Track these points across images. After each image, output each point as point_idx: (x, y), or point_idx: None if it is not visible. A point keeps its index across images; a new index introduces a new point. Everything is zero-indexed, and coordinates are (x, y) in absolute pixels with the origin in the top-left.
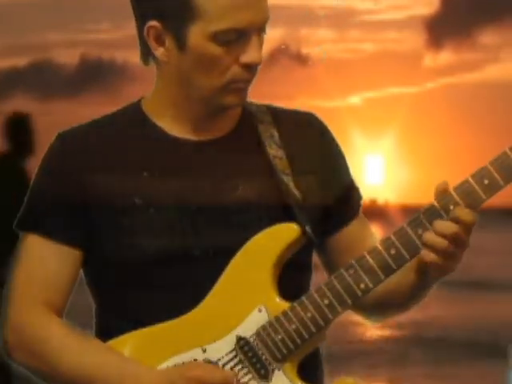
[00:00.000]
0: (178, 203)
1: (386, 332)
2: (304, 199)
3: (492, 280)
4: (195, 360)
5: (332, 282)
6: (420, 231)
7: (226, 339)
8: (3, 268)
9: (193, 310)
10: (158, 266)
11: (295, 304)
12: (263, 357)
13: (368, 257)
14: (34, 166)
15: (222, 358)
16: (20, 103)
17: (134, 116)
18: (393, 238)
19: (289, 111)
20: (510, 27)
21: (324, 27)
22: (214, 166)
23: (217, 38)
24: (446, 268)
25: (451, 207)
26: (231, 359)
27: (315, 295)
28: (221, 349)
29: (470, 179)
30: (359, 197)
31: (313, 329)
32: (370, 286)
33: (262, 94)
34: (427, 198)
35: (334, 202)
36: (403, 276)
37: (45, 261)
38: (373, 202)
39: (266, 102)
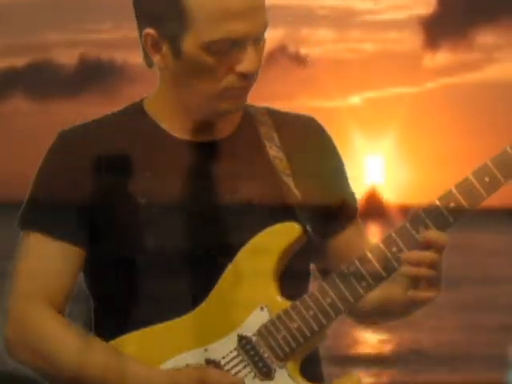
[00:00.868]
0: (180, 203)
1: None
2: (304, 199)
3: None
4: (197, 359)
5: (334, 280)
6: (421, 229)
7: (227, 338)
8: None
9: (194, 310)
10: (160, 265)
11: (297, 302)
12: (265, 355)
13: (370, 255)
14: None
15: (224, 357)
16: (19, 103)
17: (136, 116)
18: (394, 235)
19: (289, 114)
20: (510, 27)
21: (324, 27)
22: (215, 166)
23: (210, 47)
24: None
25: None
26: (233, 358)
27: (317, 293)
28: (223, 348)
29: (471, 177)
30: (355, 201)
31: (315, 327)
32: (372, 283)
33: (262, 94)
34: (427, 198)
35: (331, 205)
36: (393, 290)
37: (46, 259)
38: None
39: (266, 102)
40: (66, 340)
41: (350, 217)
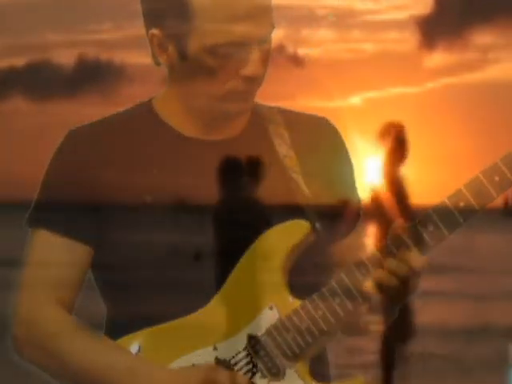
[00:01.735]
0: (188, 202)
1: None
2: (313, 197)
3: None
4: (206, 358)
5: (343, 280)
6: (431, 228)
7: (237, 338)
8: None
9: (203, 308)
10: (168, 264)
11: (306, 302)
12: (274, 355)
13: (378, 253)
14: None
15: (234, 356)
16: (18, 103)
17: (145, 114)
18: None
19: (302, 114)
20: (510, 27)
21: (324, 27)
22: (224, 165)
23: (214, 50)
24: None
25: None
26: (243, 358)
27: (326, 293)
28: (232, 347)
29: (481, 176)
30: (360, 207)
31: (324, 327)
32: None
33: (262, 93)
34: (427, 198)
35: (337, 207)
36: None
37: (55, 257)
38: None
39: (266, 102)
40: (74, 338)
41: (352, 224)
